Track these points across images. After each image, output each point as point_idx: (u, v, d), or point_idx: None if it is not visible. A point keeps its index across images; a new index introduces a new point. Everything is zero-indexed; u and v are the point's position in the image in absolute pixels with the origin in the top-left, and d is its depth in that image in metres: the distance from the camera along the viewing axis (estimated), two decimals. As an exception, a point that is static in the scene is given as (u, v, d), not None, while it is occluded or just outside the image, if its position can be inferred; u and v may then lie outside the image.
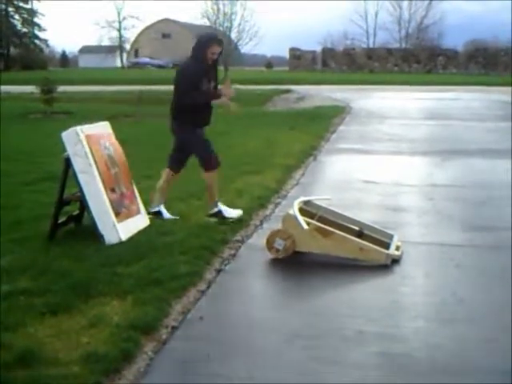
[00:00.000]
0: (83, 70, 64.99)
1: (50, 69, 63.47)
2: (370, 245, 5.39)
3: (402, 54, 53.35)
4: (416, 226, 6.59)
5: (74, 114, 16.97)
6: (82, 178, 5.72)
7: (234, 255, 5.67)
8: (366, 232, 5.69)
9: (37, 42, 66.97)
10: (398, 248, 5.55)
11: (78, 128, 5.75)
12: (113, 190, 5.88)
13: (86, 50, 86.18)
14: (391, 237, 5.69)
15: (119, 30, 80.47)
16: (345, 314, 4.43)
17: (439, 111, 18.97)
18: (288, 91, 25.83)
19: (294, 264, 5.45)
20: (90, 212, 5.77)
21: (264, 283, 5.18)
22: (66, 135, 5.74)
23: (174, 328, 4.16)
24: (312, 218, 5.67)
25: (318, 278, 5.18)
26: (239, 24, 22.88)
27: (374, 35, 68.95)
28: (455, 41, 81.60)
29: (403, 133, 13.86)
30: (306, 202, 5.99)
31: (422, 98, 23.35)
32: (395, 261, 5.39)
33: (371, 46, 64.47)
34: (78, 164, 5.71)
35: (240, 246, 5.91)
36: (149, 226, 6.30)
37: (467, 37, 75.28)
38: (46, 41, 68.34)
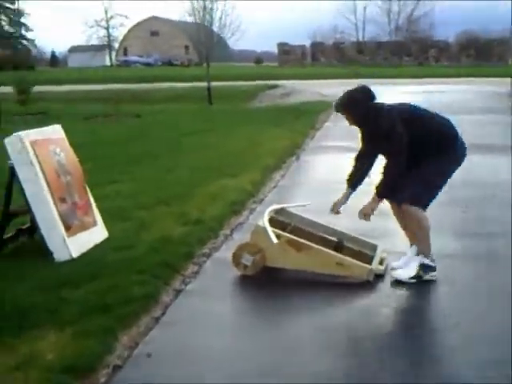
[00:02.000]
0: (72, 69, 64.18)
1: (39, 68, 62.70)
2: (349, 259, 4.79)
3: (393, 46, 52.75)
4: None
5: (48, 115, 16.32)
6: (27, 188, 5.11)
7: (197, 272, 5.06)
8: (345, 243, 5.09)
9: (24, 42, 66.18)
10: (382, 261, 4.95)
11: (22, 133, 5.14)
12: (63, 201, 5.27)
13: (75, 49, 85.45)
14: (375, 248, 5.09)
15: (107, 29, 79.70)
16: (320, 345, 3.82)
17: (430, 104, 18.34)
18: (274, 87, 25.18)
19: (265, 282, 4.84)
20: (37, 226, 5.15)
21: (228, 306, 4.54)
22: (9, 142, 5.12)
23: (116, 368, 3.55)
24: (284, 228, 5.07)
25: (292, 300, 4.55)
26: (220, 18, 22.19)
27: (364, 28, 68.28)
28: (447, 33, 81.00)
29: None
30: (279, 211, 5.39)
31: (412, 92, 22.75)
32: (379, 276, 4.79)
33: (361, 39, 63.80)
34: (22, 173, 5.11)
35: (205, 261, 5.31)
36: (107, 239, 5.69)
37: (458, 28, 74.84)
38: (33, 41, 67.63)
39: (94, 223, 5.64)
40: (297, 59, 52.73)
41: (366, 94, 4.77)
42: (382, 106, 4.78)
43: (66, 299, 4.33)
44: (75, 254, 5.15)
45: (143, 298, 4.38)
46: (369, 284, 4.69)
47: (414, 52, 50.83)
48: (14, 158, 5.10)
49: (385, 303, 4.43)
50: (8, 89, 18.81)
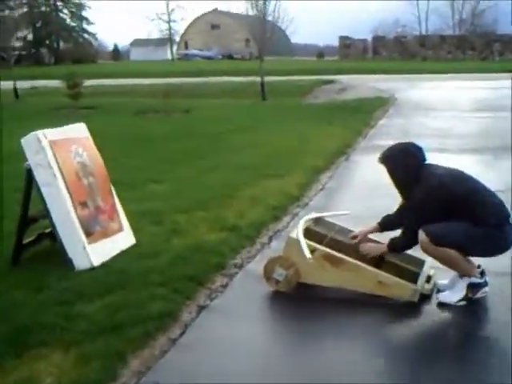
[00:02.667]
0: (133, 62, 64.81)
1: (100, 62, 63.51)
2: (392, 277, 4.28)
3: (456, 40, 51.21)
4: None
5: (99, 109, 16.18)
6: (45, 191, 4.77)
7: (226, 285, 4.64)
8: (388, 258, 4.58)
9: (85, 35, 67.03)
10: (429, 279, 4.42)
11: (40, 132, 4.80)
12: (84, 205, 4.92)
13: (136, 43, 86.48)
14: (421, 264, 4.56)
15: (168, 23, 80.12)
16: (362, 374, 3.35)
17: (493, 102, 17.46)
18: (331, 82, 24.54)
19: (298, 300, 4.37)
20: (56, 232, 4.82)
21: (256, 327, 4.07)
22: (26, 142, 4.80)
23: (117, 400, 3.16)
24: (321, 240, 4.60)
25: (327, 322, 4.06)
26: (277, 10, 21.69)
27: (426, 19, 66.49)
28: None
29: (451, 127, 12.56)
30: (317, 220, 4.91)
31: (475, 87, 21.81)
32: (425, 296, 4.27)
33: (424, 32, 62.24)
34: (40, 175, 4.77)
35: (236, 273, 4.88)
36: (134, 245, 5.33)
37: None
38: (94, 34, 68.40)
39: (120, 229, 5.28)
40: (358, 53, 51.75)
41: (412, 155, 4.25)
42: (428, 174, 4.17)
43: (75, 315, 3.98)
44: (96, 263, 4.79)
45: (160, 316, 3.98)
46: (413, 305, 4.18)
47: (478, 46, 49.18)
48: (30, 159, 4.77)
49: (432, 326, 3.92)
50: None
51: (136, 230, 5.59)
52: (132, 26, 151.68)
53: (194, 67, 40.19)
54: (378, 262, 4.53)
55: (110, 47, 79.66)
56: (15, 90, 20.57)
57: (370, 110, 15.30)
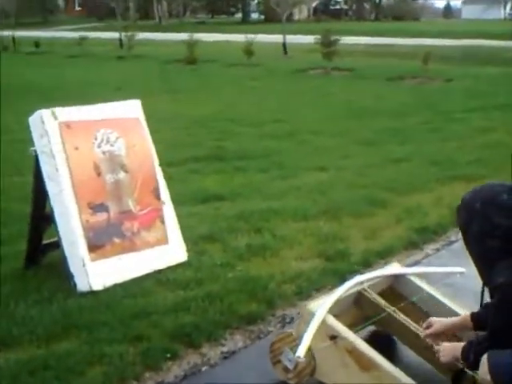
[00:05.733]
0: (464, 21, 60.98)
1: (423, 20, 61.17)
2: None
3: None
4: None
5: (355, 72, 14.76)
6: (48, 186, 3.75)
7: (226, 356, 3.16)
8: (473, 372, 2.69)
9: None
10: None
11: (47, 112, 3.74)
12: (98, 209, 3.79)
13: (469, 0, 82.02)
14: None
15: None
16: None
17: None
18: None
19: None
20: (59, 239, 3.79)
21: None
22: (33, 121, 3.78)
23: None
24: (375, 315, 2.90)
25: None
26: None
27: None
28: None
29: None
30: (396, 279, 3.17)
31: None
32: None
33: None
34: (44, 165, 3.75)
35: (258, 337, 3.34)
36: (181, 264, 4.06)
37: None
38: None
39: (163, 241, 4.05)
40: None
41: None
42: None
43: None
44: (98, 286, 3.67)
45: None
46: None
47: None
48: (37, 144, 3.76)
49: None
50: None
51: (207, 239, 4.39)
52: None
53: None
54: (457, 375, 2.68)
55: (437, 4, 76.92)
56: (284, 45, 19.81)
57: None
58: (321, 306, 2.79)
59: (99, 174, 3.84)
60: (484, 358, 2.18)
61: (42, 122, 3.70)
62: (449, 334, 2.78)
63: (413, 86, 13.39)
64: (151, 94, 12.44)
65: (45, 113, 3.71)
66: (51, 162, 3.69)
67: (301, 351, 2.58)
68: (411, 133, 8.38)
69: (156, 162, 4.17)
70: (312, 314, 2.76)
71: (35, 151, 3.77)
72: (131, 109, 4.14)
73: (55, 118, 3.73)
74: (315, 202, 5.45)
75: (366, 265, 4.19)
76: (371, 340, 3.23)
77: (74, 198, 3.70)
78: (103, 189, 3.84)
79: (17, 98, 11.21)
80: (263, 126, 9.12)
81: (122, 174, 3.94)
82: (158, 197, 4.11)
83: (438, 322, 2.80)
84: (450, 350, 2.60)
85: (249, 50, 17.09)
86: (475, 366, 2.35)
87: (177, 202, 5.49)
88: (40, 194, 3.87)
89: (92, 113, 3.94)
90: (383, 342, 3.09)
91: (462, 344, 2.55)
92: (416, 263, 4.30)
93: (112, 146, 3.93)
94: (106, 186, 3.86)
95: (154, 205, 4.07)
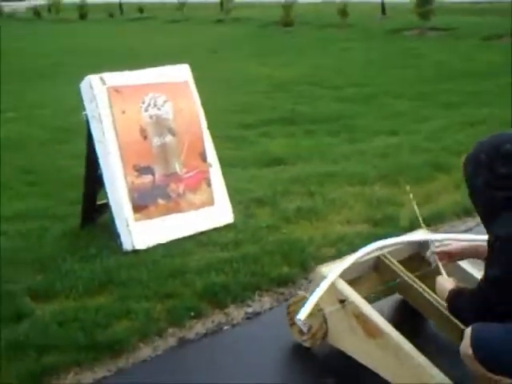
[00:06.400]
0: None
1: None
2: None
3: None
4: None
5: (452, 31, 14.21)
6: (98, 150, 3.93)
7: (249, 317, 3.26)
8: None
9: None
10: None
11: (96, 77, 3.91)
12: (143, 171, 3.95)
13: None
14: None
15: None
16: None
17: None
18: None
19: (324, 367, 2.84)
20: (107, 200, 3.98)
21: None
22: (83, 87, 3.96)
23: None
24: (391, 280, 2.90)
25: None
26: None
27: None
28: None
29: None
30: (421, 245, 3.14)
31: None
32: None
33: None
34: (94, 129, 3.93)
35: (286, 299, 3.39)
36: (227, 226, 4.17)
37: None
38: None
39: (208, 202, 4.17)
40: None
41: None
42: None
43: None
44: (141, 245, 3.84)
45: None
46: None
47: None
48: (87, 108, 3.94)
49: None
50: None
51: (259, 202, 4.50)
52: None
53: None
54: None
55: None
56: (382, 4, 19.15)
57: None
58: (332, 271, 2.82)
59: (145, 137, 3.98)
60: (467, 331, 2.15)
61: (91, 88, 3.87)
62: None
63: (508, 45, 12.78)
64: (243, 57, 12.57)
65: (93, 78, 3.88)
66: (99, 125, 3.87)
67: (302, 314, 2.63)
68: (495, 96, 8.06)
69: (204, 124, 4.27)
70: (323, 278, 2.80)
71: (86, 115, 3.95)
72: (180, 73, 4.25)
73: (103, 83, 3.90)
74: (376, 166, 5.41)
75: (414, 230, 4.14)
76: (398, 308, 3.26)
77: (119, 161, 3.87)
78: (149, 152, 3.99)
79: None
80: (344, 89, 9.02)
81: (168, 137, 4.07)
82: (204, 159, 4.21)
83: (454, 243, 2.78)
84: (442, 284, 2.57)
85: (343, 10, 16.78)
86: (454, 315, 2.46)
87: (242, 165, 5.67)
88: (92, 157, 4.06)
89: (141, 77, 4.08)
90: (409, 311, 3.08)
91: (453, 285, 2.53)
92: (468, 230, 4.22)
93: (159, 109, 4.06)
94: (152, 149, 4.00)
95: (201, 167, 4.18)
